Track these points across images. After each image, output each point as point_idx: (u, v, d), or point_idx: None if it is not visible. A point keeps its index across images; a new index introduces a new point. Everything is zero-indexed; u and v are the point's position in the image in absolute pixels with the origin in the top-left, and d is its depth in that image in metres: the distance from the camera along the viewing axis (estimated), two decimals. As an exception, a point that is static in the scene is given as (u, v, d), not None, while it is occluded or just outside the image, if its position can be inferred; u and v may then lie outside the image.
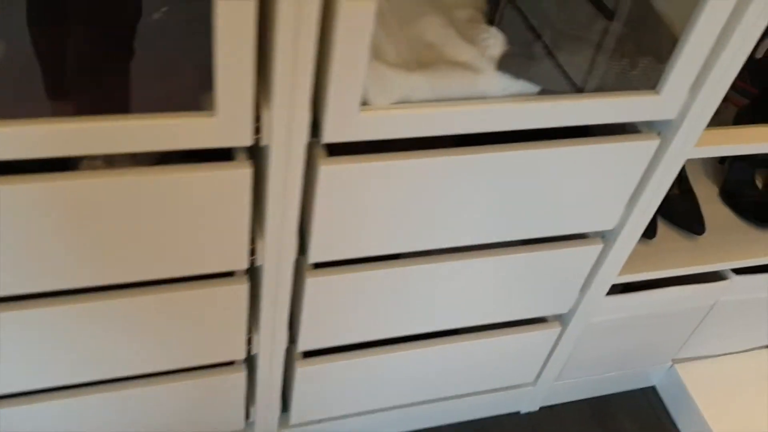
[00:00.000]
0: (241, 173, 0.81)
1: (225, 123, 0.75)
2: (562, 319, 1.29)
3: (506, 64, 0.85)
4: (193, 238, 0.86)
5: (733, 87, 1.28)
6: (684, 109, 0.95)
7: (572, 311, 1.25)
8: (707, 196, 1.39)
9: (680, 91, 0.92)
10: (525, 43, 0.89)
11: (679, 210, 1.30)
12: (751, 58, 1.31)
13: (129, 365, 1.02)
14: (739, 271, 1.34)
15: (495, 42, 0.86)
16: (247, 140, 0.78)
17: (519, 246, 1.09)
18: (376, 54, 0.82)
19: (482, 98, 0.85)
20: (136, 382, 1.06)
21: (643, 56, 0.89)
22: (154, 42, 0.82)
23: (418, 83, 0.82)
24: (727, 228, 1.34)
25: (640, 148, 0.98)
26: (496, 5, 0.91)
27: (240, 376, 1.11)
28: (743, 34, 0.86)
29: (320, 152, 0.84)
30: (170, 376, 1.07)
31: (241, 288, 0.95)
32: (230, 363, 1.10)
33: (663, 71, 0.90)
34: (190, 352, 1.03)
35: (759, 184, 1.41)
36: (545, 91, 0.88)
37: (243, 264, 0.93)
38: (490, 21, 0.91)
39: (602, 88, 0.90)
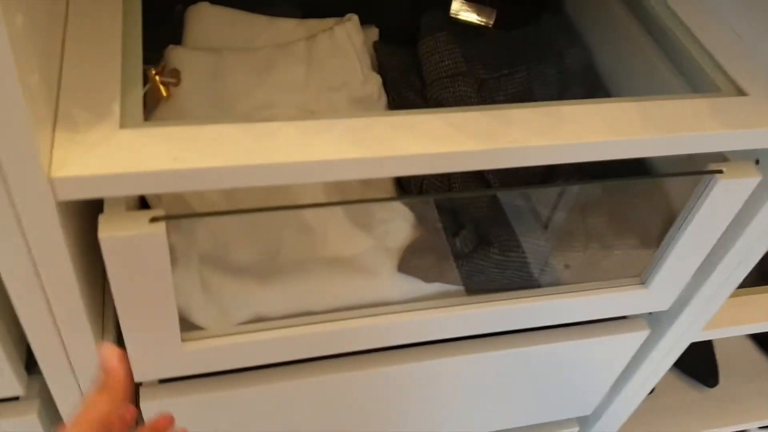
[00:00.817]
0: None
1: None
2: None
3: (411, 266, 0.57)
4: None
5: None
6: (683, 298, 0.66)
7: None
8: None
9: (675, 285, 0.64)
10: (446, 229, 0.61)
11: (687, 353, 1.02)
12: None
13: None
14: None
15: (399, 227, 0.59)
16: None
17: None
18: (214, 261, 0.56)
19: (379, 305, 0.58)
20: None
21: (622, 239, 0.61)
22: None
23: (276, 298, 0.56)
24: (748, 373, 1.05)
25: (624, 340, 0.71)
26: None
27: None
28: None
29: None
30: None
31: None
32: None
33: (650, 260, 0.61)
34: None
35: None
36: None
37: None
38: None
39: (562, 280, 0.63)
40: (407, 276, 0.58)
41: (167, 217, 0.45)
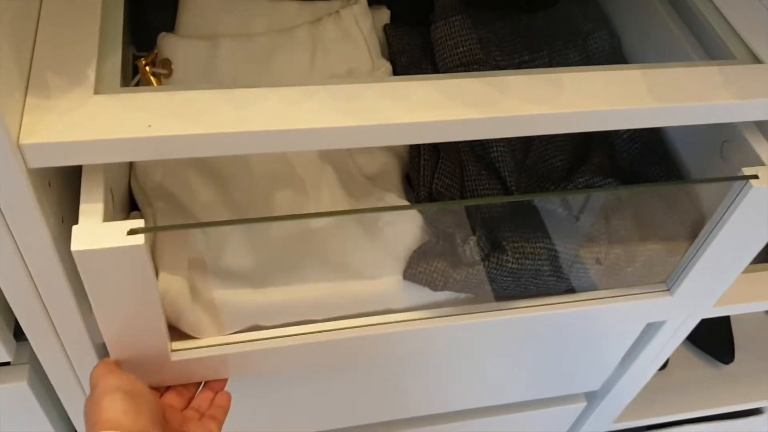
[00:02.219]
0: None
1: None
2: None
3: (418, 273, 0.54)
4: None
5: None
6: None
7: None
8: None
9: (702, 293, 0.62)
10: (456, 233, 0.56)
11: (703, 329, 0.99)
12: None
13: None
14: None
15: (404, 230, 0.55)
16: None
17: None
18: (205, 265, 0.53)
19: (384, 313, 0.56)
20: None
21: (647, 245, 0.58)
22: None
23: (273, 307, 0.53)
24: (765, 350, 1.02)
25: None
26: (418, 167, 0.58)
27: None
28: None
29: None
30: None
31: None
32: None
33: (676, 267, 0.59)
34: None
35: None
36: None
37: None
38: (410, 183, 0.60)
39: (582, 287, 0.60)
40: (413, 283, 0.55)
41: (147, 230, 0.42)
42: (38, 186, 0.42)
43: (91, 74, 0.42)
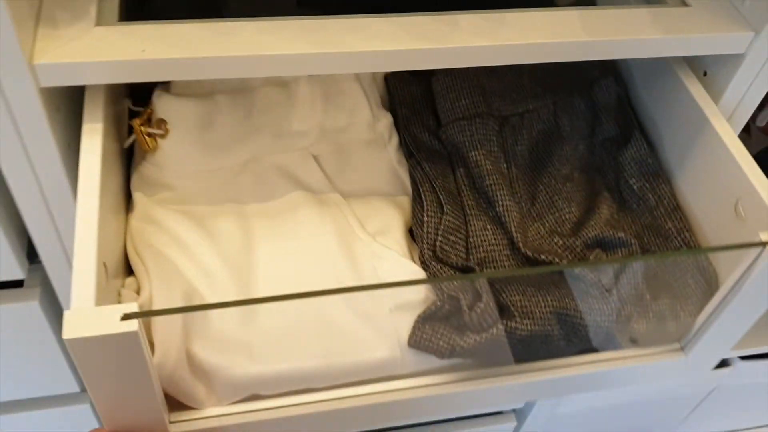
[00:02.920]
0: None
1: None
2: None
3: (423, 340, 0.52)
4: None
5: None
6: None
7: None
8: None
9: (718, 351, 0.61)
10: (466, 300, 0.53)
11: None
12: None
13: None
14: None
15: (409, 294, 0.54)
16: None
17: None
18: (202, 335, 0.51)
19: (387, 380, 0.54)
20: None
21: (661, 304, 0.56)
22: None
23: (271, 377, 0.51)
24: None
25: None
26: (421, 205, 0.56)
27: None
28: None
29: None
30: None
31: None
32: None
33: (691, 326, 0.58)
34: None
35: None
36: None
37: None
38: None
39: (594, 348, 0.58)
40: (418, 351, 0.53)
41: (141, 314, 0.40)
42: (49, 106, 0.48)
43: (93, 9, 0.49)
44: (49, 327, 0.66)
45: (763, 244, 0.49)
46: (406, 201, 0.60)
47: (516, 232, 0.56)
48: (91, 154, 0.48)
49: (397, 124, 0.62)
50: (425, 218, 0.56)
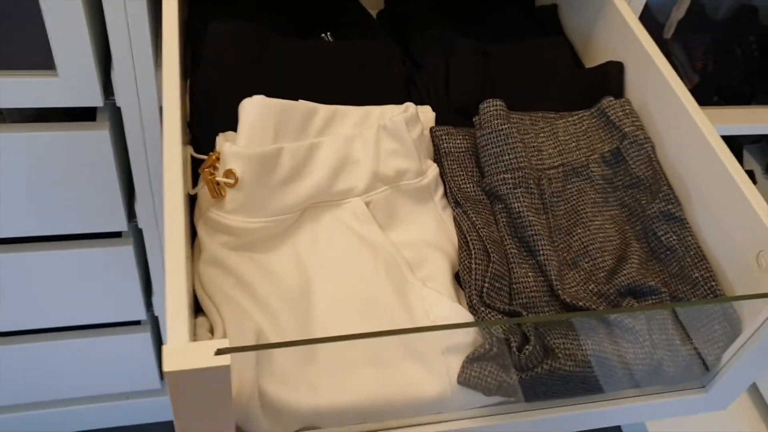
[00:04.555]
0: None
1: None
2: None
3: (472, 378, 0.56)
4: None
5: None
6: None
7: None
8: None
9: (739, 387, 0.65)
10: (515, 343, 0.57)
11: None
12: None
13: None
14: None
15: (458, 334, 0.58)
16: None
17: None
18: (268, 368, 0.55)
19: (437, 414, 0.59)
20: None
21: (689, 346, 0.61)
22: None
23: (328, 410, 0.55)
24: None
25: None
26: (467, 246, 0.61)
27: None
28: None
29: None
30: None
31: None
32: None
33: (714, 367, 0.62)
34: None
35: None
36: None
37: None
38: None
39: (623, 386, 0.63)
40: (466, 388, 0.57)
41: (233, 350, 0.44)
42: None
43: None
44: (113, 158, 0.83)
45: (784, 294, 0.53)
46: (451, 248, 0.64)
47: (555, 280, 0.61)
48: (174, 206, 0.52)
49: (443, 175, 0.67)
50: (473, 265, 0.60)
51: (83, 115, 0.81)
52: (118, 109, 0.79)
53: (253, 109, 0.60)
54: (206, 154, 0.63)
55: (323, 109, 0.64)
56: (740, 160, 1.33)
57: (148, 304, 1.06)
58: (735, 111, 1.02)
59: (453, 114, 0.71)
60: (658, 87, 0.71)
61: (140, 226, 0.93)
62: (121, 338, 1.08)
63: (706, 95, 1.15)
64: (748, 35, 1.24)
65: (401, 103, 0.69)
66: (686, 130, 0.67)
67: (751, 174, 1.30)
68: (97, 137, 0.80)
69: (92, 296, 1.00)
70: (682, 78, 1.13)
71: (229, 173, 0.59)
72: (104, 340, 1.07)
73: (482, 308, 0.58)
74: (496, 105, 0.67)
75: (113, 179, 0.85)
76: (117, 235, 0.95)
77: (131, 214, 0.93)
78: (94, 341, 1.07)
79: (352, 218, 0.63)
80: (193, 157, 0.63)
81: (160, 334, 1.14)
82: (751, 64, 1.22)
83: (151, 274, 1.01)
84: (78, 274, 0.96)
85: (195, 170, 0.63)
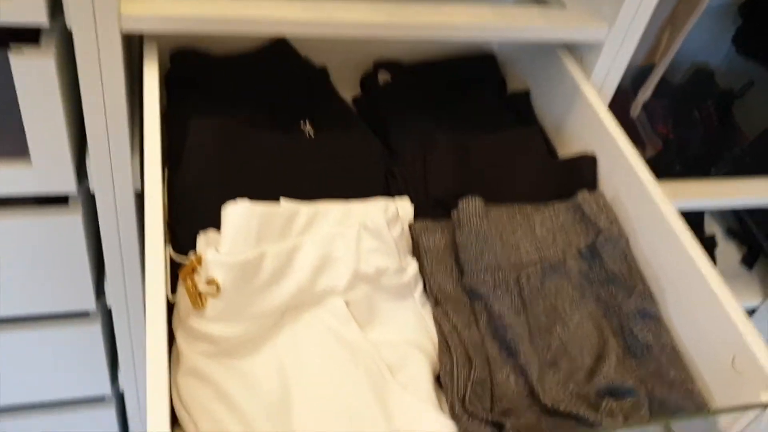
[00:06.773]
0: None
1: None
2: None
3: None
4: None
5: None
6: None
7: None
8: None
9: None
10: None
11: None
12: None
13: None
14: None
15: None
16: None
17: None
18: None
19: None
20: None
21: None
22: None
23: None
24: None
25: None
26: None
27: None
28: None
29: None
30: None
31: None
32: None
33: None
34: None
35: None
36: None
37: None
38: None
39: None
40: None
41: None
42: (124, 48, 0.66)
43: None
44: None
45: (763, 405, 0.54)
46: (431, 346, 0.64)
47: (536, 383, 0.61)
48: (156, 325, 0.52)
49: (422, 271, 0.67)
50: (455, 372, 0.60)
51: (55, 197, 0.79)
52: (92, 192, 0.78)
53: (236, 216, 0.60)
54: (185, 251, 0.63)
55: (305, 209, 0.64)
56: (701, 224, 1.36)
57: (113, 379, 1.04)
58: (697, 185, 1.05)
59: (431, 206, 0.72)
60: (629, 181, 0.72)
61: (109, 304, 0.91)
62: (85, 414, 1.06)
63: (668, 163, 1.17)
64: (706, 99, 1.27)
65: (381, 195, 0.70)
66: (658, 227, 0.68)
67: (711, 240, 1.32)
68: (70, 222, 0.79)
69: (57, 373, 0.97)
70: (646, 143, 1.16)
71: (211, 282, 0.58)
72: (68, 416, 1.05)
73: (465, 417, 0.58)
74: (475, 203, 0.67)
75: (83, 261, 0.83)
76: (84, 314, 0.93)
77: (99, 292, 0.91)
78: (58, 418, 1.04)
79: (332, 318, 0.63)
80: (172, 260, 0.62)
81: (125, 410, 1.11)
82: (709, 128, 1.26)
83: (119, 352, 0.99)
84: (42, 352, 0.94)
85: (174, 270, 0.62)
